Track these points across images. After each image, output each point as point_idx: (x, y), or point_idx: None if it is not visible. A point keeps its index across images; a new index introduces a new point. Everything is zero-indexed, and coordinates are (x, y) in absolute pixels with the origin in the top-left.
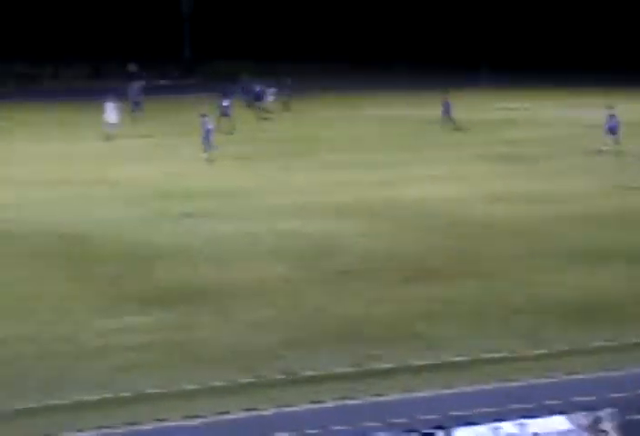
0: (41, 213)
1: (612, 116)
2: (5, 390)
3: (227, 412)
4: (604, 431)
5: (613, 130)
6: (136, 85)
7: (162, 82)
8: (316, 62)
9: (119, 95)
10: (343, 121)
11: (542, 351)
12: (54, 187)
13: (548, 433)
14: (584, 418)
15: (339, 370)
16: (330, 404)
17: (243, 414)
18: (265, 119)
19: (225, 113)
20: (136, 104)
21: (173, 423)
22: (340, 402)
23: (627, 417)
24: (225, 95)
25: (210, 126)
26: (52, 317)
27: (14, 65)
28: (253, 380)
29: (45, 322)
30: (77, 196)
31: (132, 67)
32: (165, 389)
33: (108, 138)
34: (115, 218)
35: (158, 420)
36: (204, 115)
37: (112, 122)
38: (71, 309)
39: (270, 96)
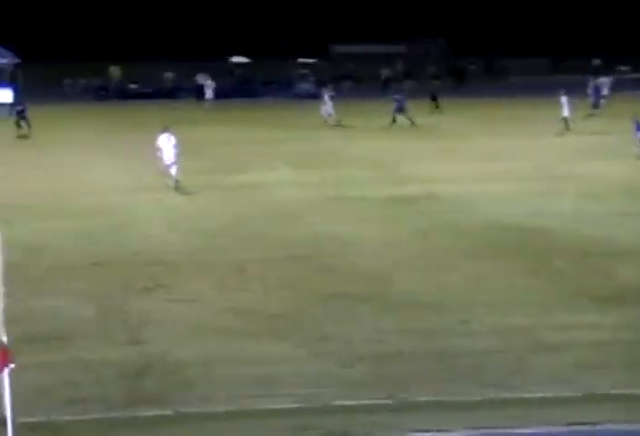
0: (495, 207)
1: None
2: (464, 381)
3: None
4: None
5: None
6: (600, 81)
7: (634, 76)
8: None
9: (577, 90)
10: None
11: None
12: (508, 181)
13: None
14: None
15: None
16: None
17: None
18: None
19: None
20: (597, 99)
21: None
22: None
23: None
24: None
25: None
26: (506, 310)
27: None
28: None
29: (488, 314)
30: (534, 190)
31: (596, 62)
32: (622, 390)
33: (561, 133)
34: (572, 213)
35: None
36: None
37: (565, 114)
38: (526, 302)
39: None
